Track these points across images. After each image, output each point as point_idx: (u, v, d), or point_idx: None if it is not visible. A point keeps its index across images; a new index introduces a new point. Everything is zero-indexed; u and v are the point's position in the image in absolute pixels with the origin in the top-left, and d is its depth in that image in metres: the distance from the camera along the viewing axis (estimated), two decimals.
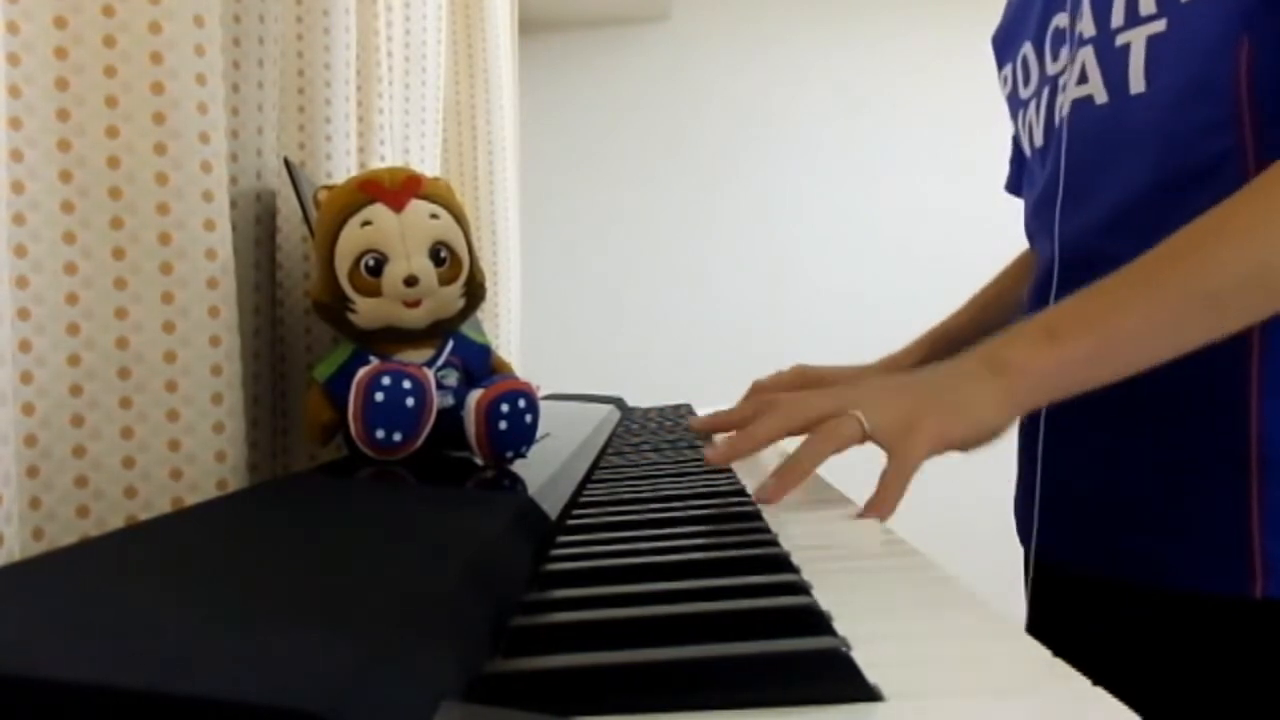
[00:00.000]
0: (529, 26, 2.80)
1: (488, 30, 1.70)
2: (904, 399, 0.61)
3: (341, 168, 0.84)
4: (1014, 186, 0.96)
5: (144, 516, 0.51)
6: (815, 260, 2.94)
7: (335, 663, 0.23)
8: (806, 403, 0.63)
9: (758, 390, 0.97)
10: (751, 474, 0.77)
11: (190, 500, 0.52)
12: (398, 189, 0.62)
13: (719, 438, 0.72)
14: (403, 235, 0.60)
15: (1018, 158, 0.93)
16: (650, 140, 3.00)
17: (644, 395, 1.91)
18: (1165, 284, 0.59)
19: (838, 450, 0.60)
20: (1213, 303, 0.58)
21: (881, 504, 0.57)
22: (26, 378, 0.48)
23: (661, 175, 2.99)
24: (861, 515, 0.58)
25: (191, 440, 0.53)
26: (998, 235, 1.29)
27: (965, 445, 0.61)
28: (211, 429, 0.53)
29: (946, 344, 0.99)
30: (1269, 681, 0.64)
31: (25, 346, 0.48)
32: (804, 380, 0.95)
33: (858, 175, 2.95)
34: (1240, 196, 0.59)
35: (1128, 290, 0.60)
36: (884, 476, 0.58)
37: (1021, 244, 0.93)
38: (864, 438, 0.59)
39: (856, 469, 0.72)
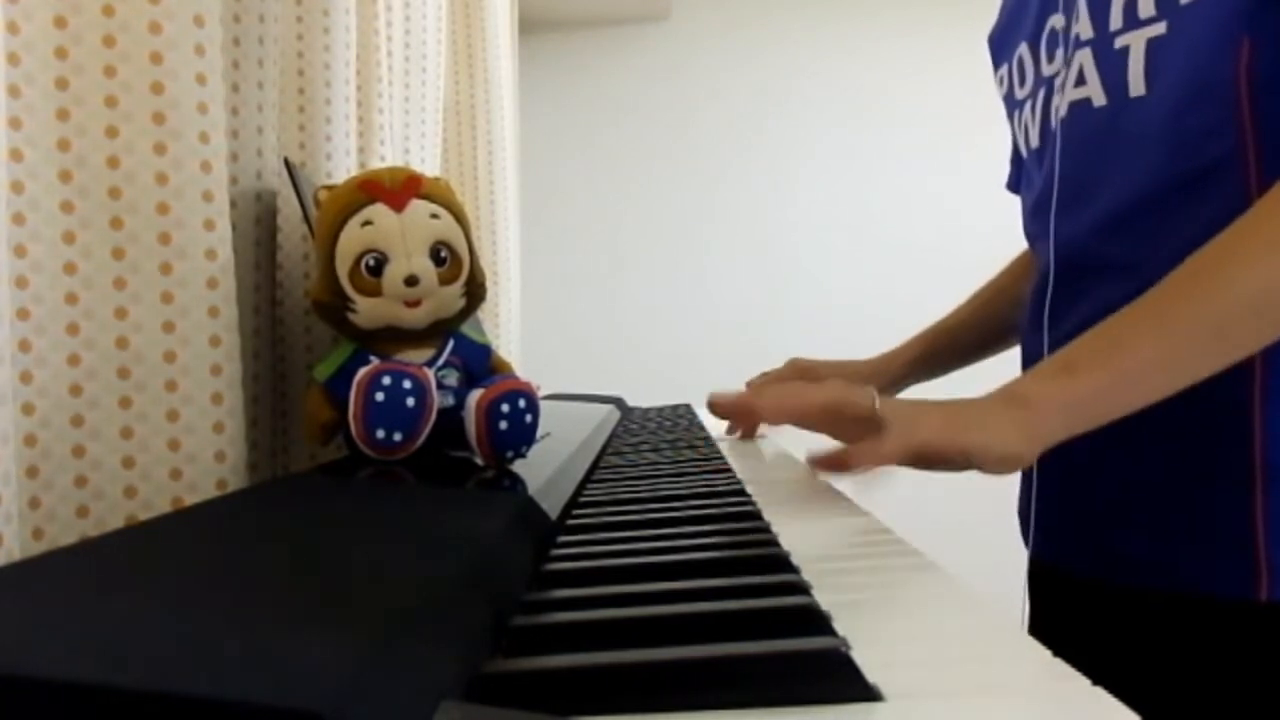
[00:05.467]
0: (529, 26, 2.79)
1: (488, 30, 1.70)
2: (931, 410, 0.61)
3: (341, 168, 0.84)
4: (1014, 185, 0.96)
5: (144, 516, 0.51)
6: (815, 260, 2.94)
7: (335, 663, 0.23)
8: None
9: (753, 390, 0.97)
10: (753, 474, 0.77)
11: (190, 500, 0.52)
12: (398, 189, 0.62)
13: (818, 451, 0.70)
14: (403, 235, 0.60)
15: (1017, 157, 0.93)
16: (650, 140, 2.99)
17: (644, 395, 1.90)
18: (1174, 316, 0.59)
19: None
20: (1220, 332, 0.59)
21: (859, 455, 0.59)
22: (26, 378, 0.48)
23: (661, 175, 2.99)
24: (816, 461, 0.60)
25: (191, 440, 0.53)
26: (997, 234, 1.29)
27: (981, 462, 0.60)
28: (211, 429, 0.53)
29: (945, 340, 0.99)
30: (1272, 685, 0.64)
31: (25, 346, 0.48)
32: (799, 374, 0.95)
33: (857, 174, 2.95)
34: (1244, 222, 0.59)
35: (1139, 323, 0.60)
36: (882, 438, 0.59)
37: (1021, 242, 0.93)
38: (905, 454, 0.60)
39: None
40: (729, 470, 0.74)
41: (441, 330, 0.65)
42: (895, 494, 0.83)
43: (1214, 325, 0.59)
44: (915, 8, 2.93)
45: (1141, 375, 0.60)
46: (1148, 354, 0.60)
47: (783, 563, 0.44)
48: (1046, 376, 0.61)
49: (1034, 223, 0.82)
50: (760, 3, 3.00)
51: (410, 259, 0.60)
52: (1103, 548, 0.74)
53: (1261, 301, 0.58)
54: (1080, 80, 0.73)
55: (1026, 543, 0.84)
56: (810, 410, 0.61)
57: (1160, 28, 0.67)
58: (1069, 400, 0.60)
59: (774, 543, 0.49)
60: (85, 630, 0.25)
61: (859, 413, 0.60)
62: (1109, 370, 0.60)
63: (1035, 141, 0.81)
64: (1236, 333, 0.59)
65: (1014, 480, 0.86)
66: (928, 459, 0.60)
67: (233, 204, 0.63)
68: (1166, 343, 0.60)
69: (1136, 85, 0.69)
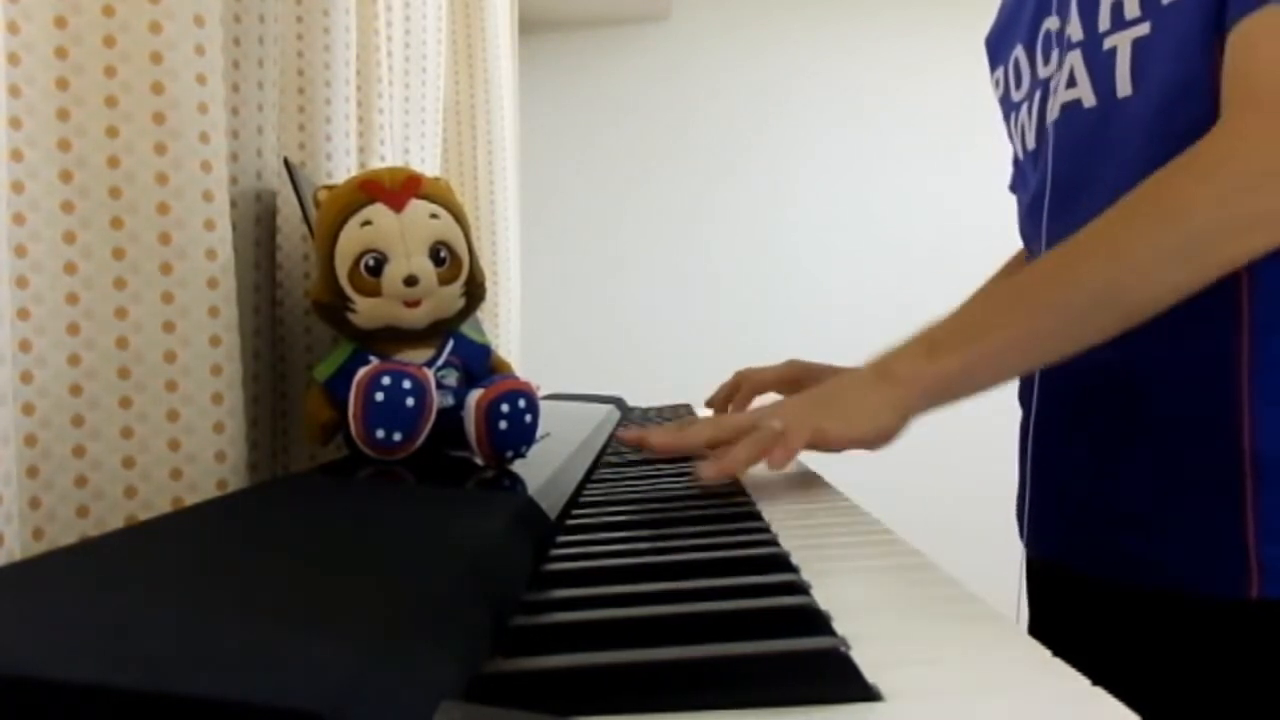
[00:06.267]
0: (529, 26, 2.80)
1: (488, 30, 1.70)
2: (806, 405, 0.68)
3: (341, 168, 0.84)
4: (1016, 186, 0.96)
5: (144, 516, 0.51)
6: (815, 260, 2.94)
7: (335, 663, 0.23)
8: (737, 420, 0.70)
9: (743, 378, 0.98)
10: (753, 474, 0.77)
11: (190, 500, 0.52)
12: (398, 189, 0.62)
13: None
14: (403, 235, 0.60)
15: (1017, 158, 0.93)
16: (650, 140, 3.00)
17: (644, 395, 1.91)
18: (1027, 303, 0.65)
19: (760, 456, 0.65)
20: (1067, 320, 0.64)
21: (733, 459, 0.63)
22: (26, 378, 0.48)
23: (661, 175, 2.99)
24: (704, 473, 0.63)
25: (191, 440, 0.53)
26: (997, 235, 1.29)
27: (857, 443, 0.66)
28: (211, 429, 0.53)
29: None
30: (1266, 682, 0.64)
31: (25, 346, 0.48)
32: (794, 372, 0.96)
33: (857, 174, 2.96)
34: (1099, 219, 0.63)
35: (997, 309, 0.67)
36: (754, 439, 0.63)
37: (1020, 243, 0.93)
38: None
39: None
40: None
41: (441, 330, 0.65)
42: (895, 494, 0.83)
43: (1063, 313, 0.64)
44: (915, 8, 2.93)
45: (995, 358, 0.66)
46: (1002, 339, 0.66)
47: (783, 563, 0.44)
48: (914, 355, 0.67)
49: (1029, 224, 0.82)
50: (760, 3, 3.01)
51: (410, 259, 0.60)
52: (1095, 546, 0.74)
53: (1110, 292, 0.63)
54: (1071, 82, 0.74)
55: (1024, 542, 0.84)
56: (746, 463, 0.65)
57: (1145, 28, 0.68)
58: (933, 379, 0.66)
59: (774, 543, 0.49)
60: (85, 630, 0.25)
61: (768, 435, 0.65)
62: (969, 352, 0.66)
63: (1032, 143, 0.81)
64: (1085, 321, 0.64)
65: (1014, 480, 0.86)
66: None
67: (233, 204, 0.63)
68: (1020, 328, 0.65)
69: (1124, 86, 0.69)
